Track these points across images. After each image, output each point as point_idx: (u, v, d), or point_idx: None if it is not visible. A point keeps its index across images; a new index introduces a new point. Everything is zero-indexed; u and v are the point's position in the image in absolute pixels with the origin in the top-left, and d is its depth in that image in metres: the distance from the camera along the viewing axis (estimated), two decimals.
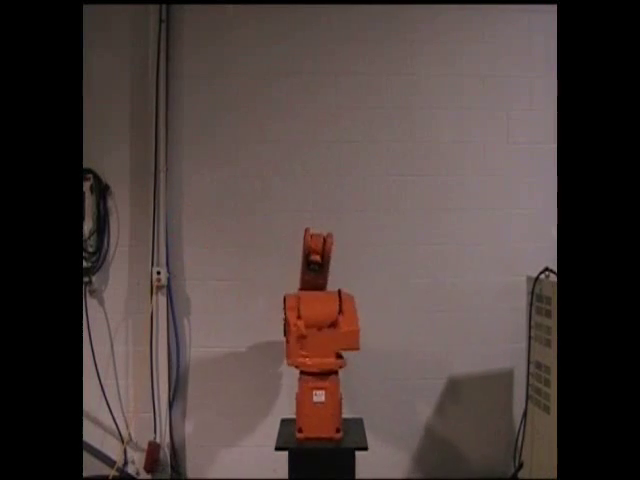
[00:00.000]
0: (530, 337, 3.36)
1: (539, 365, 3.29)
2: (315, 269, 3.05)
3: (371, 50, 3.96)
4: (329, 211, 3.95)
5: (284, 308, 2.87)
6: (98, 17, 3.78)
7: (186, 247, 4.00)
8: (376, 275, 3.98)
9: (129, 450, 4.00)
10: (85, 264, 3.92)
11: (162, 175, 3.91)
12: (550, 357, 3.13)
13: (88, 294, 3.97)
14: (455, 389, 4.00)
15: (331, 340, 2.75)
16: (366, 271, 3.97)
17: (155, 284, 3.87)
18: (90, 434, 3.87)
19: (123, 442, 3.96)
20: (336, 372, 2.79)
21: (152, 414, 3.92)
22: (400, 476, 4.01)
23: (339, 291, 2.95)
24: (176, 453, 4.01)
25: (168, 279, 3.92)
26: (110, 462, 3.92)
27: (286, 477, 2.76)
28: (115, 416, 3.97)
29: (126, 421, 4.00)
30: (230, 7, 3.93)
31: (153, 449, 3.88)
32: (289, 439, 2.78)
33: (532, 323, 3.34)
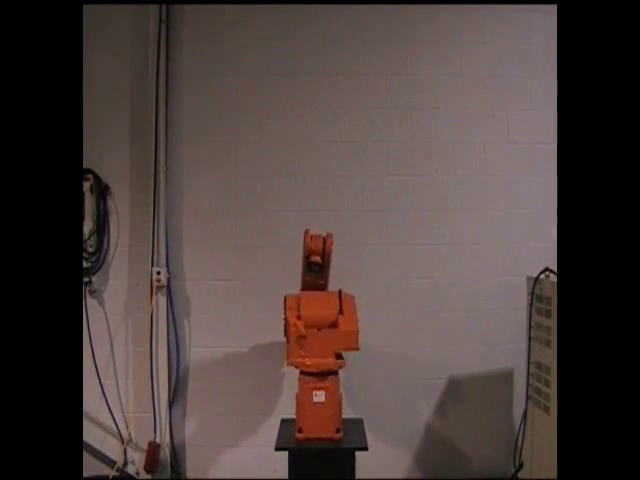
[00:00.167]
0: (530, 337, 3.36)
1: (539, 365, 3.29)
2: (315, 270, 3.05)
3: (371, 50, 3.97)
4: (329, 211, 3.95)
5: (284, 308, 2.87)
6: (98, 17, 3.79)
7: (186, 247, 4.00)
8: (376, 275, 3.98)
9: (129, 450, 4.00)
10: (85, 264, 3.92)
11: (162, 175, 3.91)
12: (550, 357, 3.13)
13: (88, 294, 3.97)
14: (455, 389, 4.00)
15: (331, 340, 2.75)
16: (366, 271, 3.97)
17: (155, 284, 3.87)
18: (90, 434, 3.88)
19: (123, 442, 3.96)
20: (336, 372, 2.79)
21: (152, 414, 3.92)
22: (400, 476, 4.01)
23: (339, 291, 2.95)
24: (176, 453, 4.01)
25: (168, 279, 3.92)
26: (110, 462, 3.93)
27: (286, 477, 2.76)
28: (115, 416, 3.97)
29: (126, 421, 4.00)
30: (230, 7, 3.93)
31: (153, 449, 3.88)
32: (289, 439, 2.78)
33: (532, 323, 3.34)
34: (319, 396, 2.72)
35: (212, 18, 3.95)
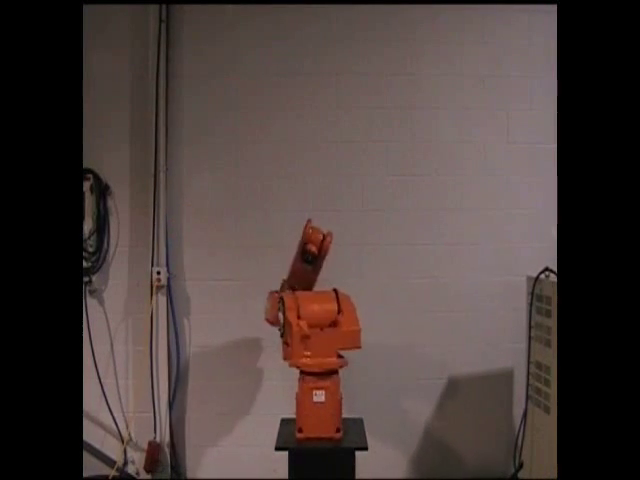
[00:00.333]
0: (530, 337, 3.36)
1: (539, 365, 3.29)
2: (309, 260, 3.03)
3: (371, 50, 3.97)
4: (329, 211, 3.95)
5: (282, 309, 2.84)
6: (98, 17, 3.79)
7: (186, 247, 4.00)
8: (376, 275, 3.98)
9: (129, 450, 4.00)
10: (85, 264, 3.92)
11: (162, 175, 3.91)
12: (550, 357, 3.13)
13: (88, 294, 3.97)
14: (455, 389, 4.01)
15: (334, 339, 2.74)
16: (366, 271, 3.97)
17: (155, 284, 3.87)
18: (90, 434, 3.88)
19: (123, 442, 3.96)
20: (336, 372, 2.79)
21: (152, 414, 3.92)
22: (400, 476, 4.02)
23: (335, 290, 2.93)
24: (176, 453, 4.01)
25: (168, 279, 3.92)
26: (110, 462, 3.93)
27: (286, 477, 2.76)
28: (115, 416, 3.97)
29: (126, 421, 4.00)
30: (230, 7, 3.93)
31: (153, 449, 3.89)
32: (289, 439, 2.78)
33: (532, 323, 3.34)
34: (319, 396, 2.72)
35: (212, 18, 3.95)
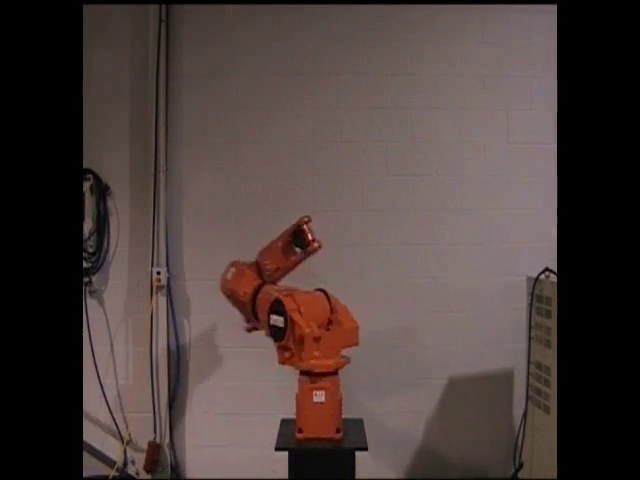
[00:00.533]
0: (530, 337, 3.36)
1: (539, 365, 3.29)
2: (299, 245, 2.88)
3: (371, 50, 3.97)
4: (329, 211, 3.95)
5: (280, 311, 2.69)
6: (98, 17, 3.79)
7: (186, 247, 4.00)
8: (376, 275, 3.98)
9: (129, 450, 4.00)
10: (85, 264, 3.92)
11: (162, 175, 3.91)
12: (550, 357, 3.13)
13: (88, 294, 3.97)
14: (455, 389, 4.01)
15: (338, 338, 2.74)
16: (366, 271, 3.97)
17: (155, 284, 3.87)
18: (90, 434, 3.88)
19: (123, 442, 3.96)
20: (336, 372, 2.78)
21: (152, 414, 3.92)
22: (400, 476, 4.02)
23: (322, 290, 2.88)
24: (176, 453, 4.01)
25: (168, 279, 3.92)
26: (110, 462, 3.93)
27: (286, 477, 2.76)
28: (115, 416, 3.97)
29: (126, 421, 4.00)
30: (230, 7, 3.94)
31: (153, 449, 3.89)
32: (289, 439, 2.77)
33: (532, 323, 3.34)
34: (319, 396, 2.71)
35: (212, 18, 3.95)
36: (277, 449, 2.74)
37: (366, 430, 2.92)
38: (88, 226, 3.91)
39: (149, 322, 3.89)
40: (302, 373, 2.75)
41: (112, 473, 3.85)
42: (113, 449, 3.98)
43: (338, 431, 2.75)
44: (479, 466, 3.99)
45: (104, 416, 3.98)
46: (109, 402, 3.96)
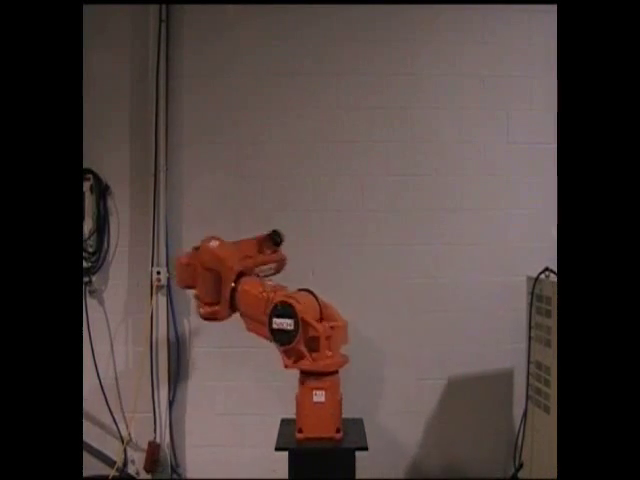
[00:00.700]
0: (530, 337, 3.35)
1: (539, 365, 3.29)
2: (278, 242, 3.06)
3: (371, 50, 3.97)
4: (329, 211, 3.96)
5: (290, 314, 2.61)
6: (98, 17, 3.79)
7: (186, 247, 3.99)
8: (376, 275, 3.98)
9: (129, 450, 4.00)
10: (85, 264, 3.92)
11: (162, 175, 3.91)
12: (550, 357, 3.13)
13: (88, 294, 3.97)
14: (455, 389, 4.00)
15: (338, 336, 2.74)
16: (365, 271, 3.97)
17: (155, 284, 3.87)
18: (90, 434, 3.88)
19: (123, 442, 3.96)
20: (336, 372, 2.79)
21: (152, 414, 3.92)
22: (400, 476, 4.02)
23: (307, 290, 2.85)
24: (176, 453, 4.01)
25: (168, 279, 3.92)
26: (110, 462, 3.93)
27: (286, 477, 2.76)
28: (115, 416, 3.97)
29: (126, 421, 4.00)
30: (230, 7, 3.93)
31: (153, 449, 3.89)
32: (289, 439, 2.77)
33: (532, 323, 3.34)
34: (319, 396, 2.71)
35: (212, 18, 3.95)
36: (277, 449, 2.74)
37: (366, 430, 2.92)
38: (88, 226, 3.91)
39: (149, 322, 3.89)
40: (303, 373, 2.75)
41: (112, 473, 3.85)
42: (113, 449, 3.98)
43: (338, 431, 2.75)
44: (479, 466, 3.99)
45: (104, 416, 3.98)
46: (109, 402, 3.96)
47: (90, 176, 3.90)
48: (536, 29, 3.94)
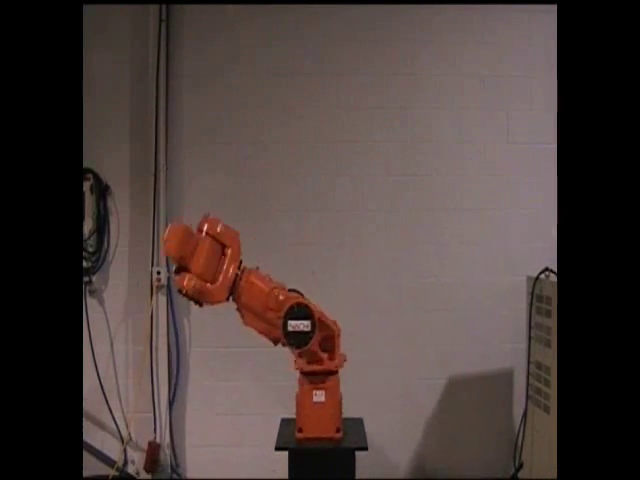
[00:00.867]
0: (530, 337, 3.36)
1: (539, 365, 3.29)
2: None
3: (371, 50, 3.97)
4: (329, 211, 3.96)
5: (307, 315, 2.55)
6: (98, 17, 3.79)
7: None
8: (376, 274, 3.98)
9: (129, 450, 4.01)
10: (85, 264, 3.92)
11: (162, 175, 3.92)
12: (550, 357, 3.13)
13: (88, 294, 3.97)
14: (455, 389, 4.01)
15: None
16: (366, 271, 3.97)
17: (155, 284, 3.88)
18: (90, 434, 3.87)
19: (123, 442, 3.96)
20: (336, 372, 2.79)
21: (152, 414, 3.92)
22: (400, 476, 4.02)
23: (295, 290, 2.82)
24: (176, 453, 4.01)
25: (168, 279, 3.92)
26: (110, 462, 3.93)
27: (286, 477, 2.76)
28: (115, 416, 3.97)
29: (126, 421, 4.00)
30: (230, 7, 3.94)
31: (153, 449, 3.89)
32: (289, 439, 2.77)
33: (532, 323, 3.34)
34: (319, 396, 2.71)
35: (212, 18, 3.95)
36: (277, 449, 2.74)
37: (366, 430, 2.92)
38: (88, 226, 3.91)
39: (149, 322, 3.89)
40: (303, 373, 2.75)
41: (112, 473, 3.85)
42: (113, 449, 3.98)
43: (338, 431, 2.75)
44: (479, 466, 3.99)
45: (104, 416, 3.98)
46: (109, 402, 3.96)
47: (90, 176, 3.90)
48: (536, 29, 3.95)
